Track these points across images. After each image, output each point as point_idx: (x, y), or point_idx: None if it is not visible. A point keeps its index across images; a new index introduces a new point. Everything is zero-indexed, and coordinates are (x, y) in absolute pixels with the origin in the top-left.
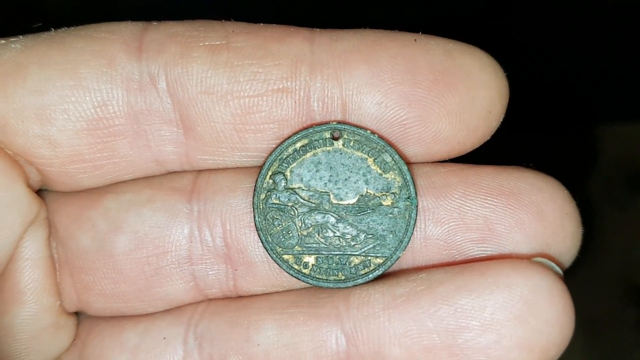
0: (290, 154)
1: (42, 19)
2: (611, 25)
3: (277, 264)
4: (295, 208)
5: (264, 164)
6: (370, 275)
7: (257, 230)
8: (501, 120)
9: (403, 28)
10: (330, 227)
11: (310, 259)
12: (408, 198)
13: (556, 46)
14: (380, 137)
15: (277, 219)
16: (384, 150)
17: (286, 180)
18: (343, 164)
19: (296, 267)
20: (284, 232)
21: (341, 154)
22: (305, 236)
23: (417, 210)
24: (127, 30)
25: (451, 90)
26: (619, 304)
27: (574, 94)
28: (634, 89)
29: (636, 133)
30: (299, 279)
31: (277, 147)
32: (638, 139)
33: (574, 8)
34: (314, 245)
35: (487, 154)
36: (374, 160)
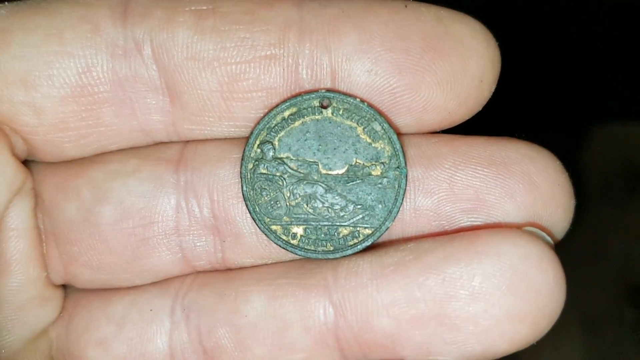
0: (279, 123)
1: None
2: (611, 25)
3: (265, 235)
4: (284, 178)
5: (251, 132)
6: (359, 246)
7: (244, 201)
8: (492, 90)
9: None
10: (319, 197)
11: (299, 230)
12: (397, 168)
13: (556, 46)
14: (370, 106)
15: (265, 189)
16: (373, 119)
17: (274, 149)
18: (332, 133)
19: (284, 237)
20: (272, 202)
21: (330, 122)
22: (293, 207)
23: (406, 180)
24: None
25: (442, 58)
26: (619, 303)
27: (573, 93)
28: (634, 89)
29: (636, 133)
30: (287, 250)
31: (265, 116)
32: (638, 139)
33: (574, 8)
34: (303, 215)
35: None
36: (363, 129)
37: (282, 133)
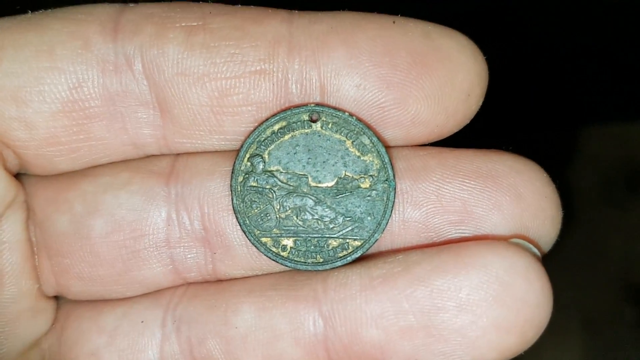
0: (268, 136)
1: (19, 2)
2: (611, 24)
3: (255, 247)
4: (274, 191)
5: (241, 146)
6: (349, 258)
7: (235, 213)
8: (480, 103)
9: (382, 10)
10: (309, 209)
11: (289, 242)
12: (386, 180)
13: (556, 45)
14: (359, 120)
15: (255, 201)
16: (362, 133)
17: (264, 162)
18: (321, 146)
19: (274, 249)
20: (262, 214)
21: (319, 136)
22: (283, 219)
23: (395, 193)
24: (103, 11)
25: (430, 73)
26: (618, 303)
27: (573, 93)
28: (634, 89)
29: (636, 133)
30: (277, 262)
31: (255, 129)
32: (638, 139)
33: (574, 7)
34: (292, 228)
35: None
36: (352, 142)
37: (272, 146)
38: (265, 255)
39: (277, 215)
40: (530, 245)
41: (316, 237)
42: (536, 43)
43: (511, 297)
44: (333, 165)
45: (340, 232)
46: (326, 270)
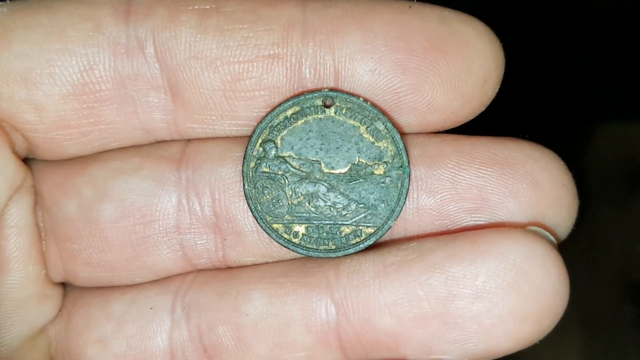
0: (281, 122)
1: None
2: (611, 24)
3: (267, 233)
4: (286, 177)
5: (254, 131)
6: (361, 245)
7: (246, 199)
8: (496, 90)
9: None
10: (321, 196)
11: (301, 229)
12: (400, 167)
13: (555, 45)
14: (373, 105)
15: (267, 187)
16: (376, 119)
17: (276, 148)
18: (335, 132)
19: (286, 236)
20: (274, 201)
21: (333, 121)
22: (295, 205)
23: (409, 180)
24: None
25: (446, 58)
26: (618, 301)
27: (573, 93)
28: (634, 89)
29: (636, 133)
30: (288, 249)
31: (267, 114)
32: (638, 139)
33: (574, 7)
34: (305, 214)
35: None
36: (366, 128)
37: (285, 132)
38: (276, 241)
39: (289, 202)
40: (547, 233)
41: (329, 224)
42: (535, 43)
43: (528, 285)
44: (347, 151)
45: (353, 219)
46: (338, 257)
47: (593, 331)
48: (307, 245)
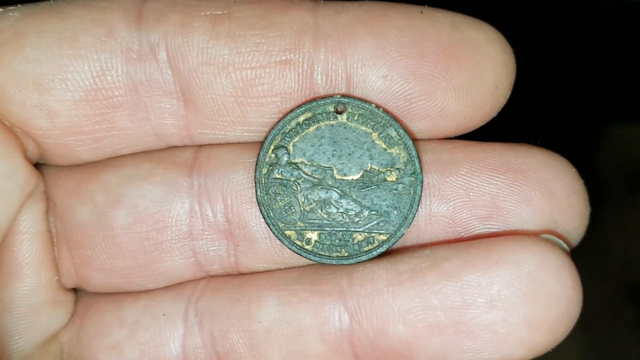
0: (293, 128)
1: None
2: (612, 25)
3: (279, 240)
4: (298, 183)
5: (266, 137)
6: (374, 252)
7: (259, 206)
8: (507, 96)
9: (408, 1)
10: (334, 202)
11: (313, 235)
12: (413, 174)
13: (556, 46)
14: (385, 111)
15: (280, 194)
16: (388, 125)
17: (289, 154)
18: (347, 139)
19: (298, 243)
20: (287, 207)
21: (345, 128)
22: (308, 212)
23: (422, 186)
24: None
25: (458, 64)
26: (618, 302)
27: (574, 93)
28: (634, 89)
29: (636, 133)
30: (301, 255)
31: (279, 121)
32: (638, 139)
33: (574, 8)
34: (317, 221)
35: None
36: (378, 134)
37: (297, 138)
38: (289, 248)
39: (302, 208)
40: (561, 241)
41: (341, 231)
42: (535, 44)
43: (543, 294)
44: (359, 158)
45: (366, 226)
46: (351, 264)
47: (592, 331)
48: (319, 252)
